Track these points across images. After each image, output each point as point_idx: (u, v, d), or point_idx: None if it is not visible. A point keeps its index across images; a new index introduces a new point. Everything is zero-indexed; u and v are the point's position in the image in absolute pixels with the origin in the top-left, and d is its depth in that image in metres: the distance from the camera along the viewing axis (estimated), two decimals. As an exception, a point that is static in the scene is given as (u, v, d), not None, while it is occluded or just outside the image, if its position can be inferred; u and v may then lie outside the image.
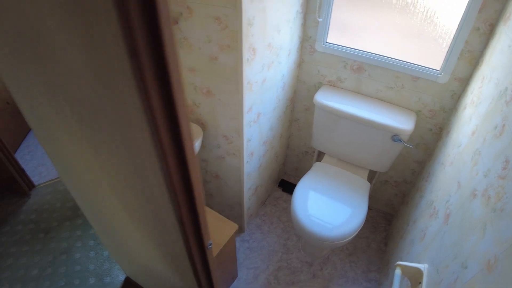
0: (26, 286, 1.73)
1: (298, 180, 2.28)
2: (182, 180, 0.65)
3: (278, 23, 1.40)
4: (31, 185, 2.26)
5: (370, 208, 2.14)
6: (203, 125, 1.62)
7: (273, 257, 1.86)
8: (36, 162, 2.49)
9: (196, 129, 1.53)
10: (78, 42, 0.50)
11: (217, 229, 1.43)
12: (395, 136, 1.56)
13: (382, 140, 1.61)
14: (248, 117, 1.45)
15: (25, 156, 2.53)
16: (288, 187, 2.27)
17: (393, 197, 2.02)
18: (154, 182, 0.66)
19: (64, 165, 1.05)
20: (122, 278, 1.76)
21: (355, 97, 1.71)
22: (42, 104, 0.77)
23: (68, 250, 1.89)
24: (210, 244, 0.86)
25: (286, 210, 2.12)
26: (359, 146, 1.73)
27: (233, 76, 1.31)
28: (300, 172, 2.30)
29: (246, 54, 1.24)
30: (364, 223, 2.02)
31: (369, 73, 1.64)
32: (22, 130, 2.70)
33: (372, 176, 1.95)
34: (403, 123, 1.55)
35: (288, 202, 2.17)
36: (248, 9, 1.15)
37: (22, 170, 2.19)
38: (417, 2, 1.39)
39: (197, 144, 1.46)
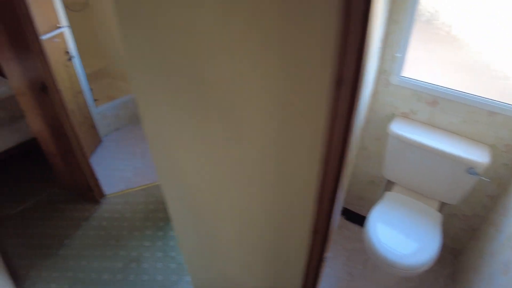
0: (99, 289, 1.86)
1: (361, 210, 2.33)
2: (332, 192, 0.76)
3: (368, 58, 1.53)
4: (102, 194, 2.45)
5: (435, 243, 2.14)
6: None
7: (339, 283, 1.89)
8: (104, 173, 2.71)
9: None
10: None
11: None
12: (471, 169, 1.61)
13: (456, 172, 1.66)
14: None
15: (96, 167, 2.74)
16: (351, 216, 2.32)
17: (461, 232, 2.02)
18: (299, 191, 0.77)
19: (175, 173, 1.17)
20: (191, 290, 1.85)
21: (428, 129, 1.79)
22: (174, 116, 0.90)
23: (137, 259, 2.02)
24: (326, 257, 0.95)
25: (350, 239, 2.16)
26: (431, 177, 1.78)
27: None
28: (364, 202, 2.34)
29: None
30: (430, 258, 2.02)
31: (443, 107, 1.73)
32: (95, 141, 2.95)
33: (441, 208, 1.97)
34: (479, 156, 1.60)
35: (352, 231, 2.21)
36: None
37: (96, 180, 2.38)
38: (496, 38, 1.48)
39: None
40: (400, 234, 1.67)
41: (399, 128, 1.80)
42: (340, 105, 0.60)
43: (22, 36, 1.83)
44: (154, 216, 2.31)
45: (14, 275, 1.95)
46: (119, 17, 0.79)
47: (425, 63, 1.76)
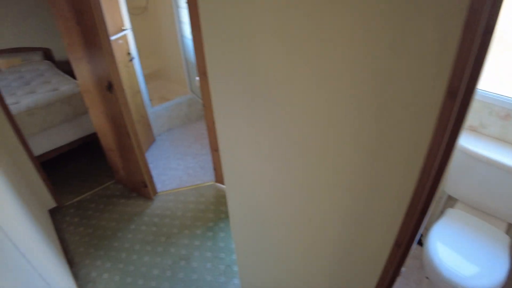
0: (148, 283, 1.94)
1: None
2: (425, 206, 0.73)
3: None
4: (155, 191, 2.54)
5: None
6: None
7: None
8: (158, 171, 2.82)
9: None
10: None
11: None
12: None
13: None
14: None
15: (149, 165, 2.86)
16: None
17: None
18: (389, 202, 0.74)
19: (241, 177, 1.20)
20: (238, 293, 1.86)
21: (499, 144, 1.68)
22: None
23: (187, 258, 2.06)
24: (403, 271, 0.91)
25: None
26: (499, 196, 1.66)
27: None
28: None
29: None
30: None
31: (520, 122, 1.61)
32: (149, 140, 3.10)
33: (508, 230, 1.83)
34: None
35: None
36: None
37: (151, 177, 2.48)
38: None
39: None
40: (463, 255, 1.57)
41: (466, 141, 1.70)
42: (450, 118, 0.58)
43: (95, 38, 1.96)
44: (204, 216, 2.36)
45: (70, 261, 2.08)
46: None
47: (504, 73, 1.66)
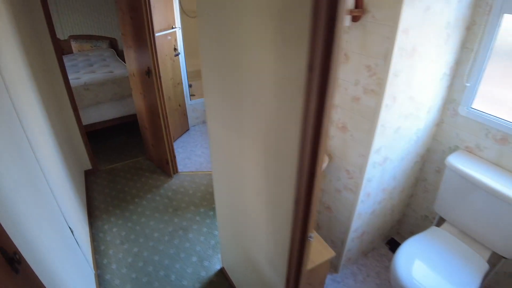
0: (147, 242, 2.30)
1: (408, 242, 2.28)
2: (309, 166, 0.94)
3: (423, 80, 1.61)
4: (175, 171, 2.94)
5: (488, 302, 1.97)
6: (330, 156, 1.90)
7: (361, 307, 1.92)
8: (184, 155, 3.25)
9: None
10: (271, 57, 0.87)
11: (316, 250, 1.64)
12: (533, 220, 1.51)
13: (516, 220, 1.57)
14: (374, 157, 1.66)
15: (179, 149, 3.32)
16: (397, 247, 2.28)
17: (521, 298, 1.83)
18: (287, 164, 0.97)
19: (219, 157, 1.49)
20: (218, 267, 2.13)
21: (493, 169, 1.72)
22: (224, 106, 1.20)
23: (186, 229, 2.39)
24: (311, 237, 1.11)
25: (387, 269, 2.15)
26: (486, 221, 1.70)
27: (370, 117, 1.57)
28: (413, 236, 2.30)
29: (386, 100, 1.50)
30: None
31: (515, 148, 1.65)
32: (183, 128, 3.55)
33: (495, 261, 1.83)
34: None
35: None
36: (397, 63, 1.41)
37: (174, 157, 2.88)
38: None
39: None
40: (430, 273, 1.63)
41: (459, 161, 1.77)
42: (312, 86, 0.81)
43: (142, 31, 2.41)
44: (211, 198, 2.68)
45: (91, 213, 2.54)
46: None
47: (504, 97, 1.71)
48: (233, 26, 1.05)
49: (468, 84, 1.76)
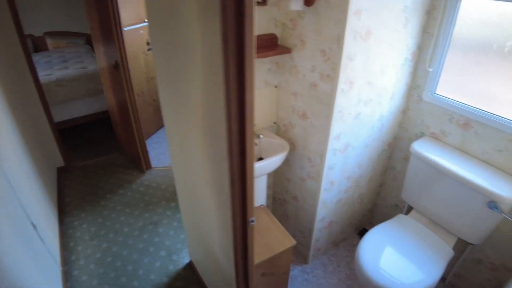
0: (117, 237, 2.28)
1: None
2: (239, 145, 0.91)
3: (383, 65, 1.59)
4: (149, 166, 2.91)
5: (457, 289, 1.96)
6: (293, 145, 1.88)
7: (329, 297, 1.90)
8: (160, 150, 3.22)
9: (283, 144, 1.80)
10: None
11: (276, 239, 1.62)
12: (492, 203, 1.49)
13: (477, 205, 1.55)
14: (334, 144, 1.64)
15: (154, 144, 3.29)
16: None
17: (486, 283, 1.82)
18: (221, 145, 0.95)
19: (174, 151, 1.46)
20: (186, 260, 2.10)
21: (457, 154, 1.70)
22: (171, 100, 1.18)
23: (156, 223, 2.37)
24: (253, 221, 1.08)
25: (358, 258, 2.13)
26: (451, 207, 1.68)
27: (327, 103, 1.55)
28: (384, 225, 2.28)
29: (341, 85, 1.47)
30: (445, 303, 1.87)
31: (476, 131, 1.63)
32: (158, 123, 3.51)
33: (462, 248, 1.82)
34: (504, 189, 1.47)
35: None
36: (350, 46, 1.39)
37: (147, 153, 2.85)
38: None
39: (279, 157, 1.72)
40: (395, 260, 1.61)
41: (423, 148, 1.75)
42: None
43: (109, 24, 2.37)
44: (182, 193, 2.65)
45: (61, 210, 2.50)
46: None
47: (467, 82, 1.69)
48: (170, 11, 1.03)
49: (430, 70, 1.75)
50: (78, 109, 3.23)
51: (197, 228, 1.66)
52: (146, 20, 3.04)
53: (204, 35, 0.87)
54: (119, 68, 2.47)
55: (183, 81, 1.11)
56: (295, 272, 2.04)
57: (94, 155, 3.17)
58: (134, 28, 2.86)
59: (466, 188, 1.57)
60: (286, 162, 1.99)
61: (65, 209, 2.51)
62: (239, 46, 0.77)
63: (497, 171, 1.60)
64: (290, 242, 1.62)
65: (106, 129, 3.59)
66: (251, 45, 0.77)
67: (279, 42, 1.71)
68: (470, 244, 1.74)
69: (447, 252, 1.67)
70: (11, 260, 1.36)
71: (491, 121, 1.57)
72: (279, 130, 1.98)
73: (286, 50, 1.66)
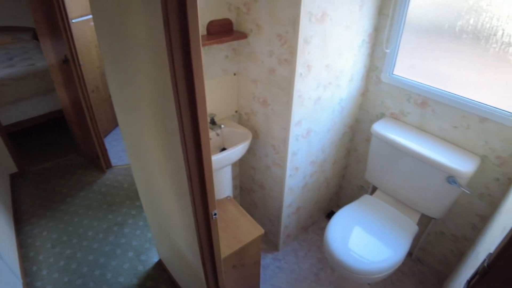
0: (81, 242, 2.17)
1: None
2: (193, 135, 0.87)
3: (340, 47, 1.58)
4: (109, 165, 2.79)
5: (421, 262, 2.04)
6: (256, 133, 1.85)
7: (301, 283, 1.92)
8: (120, 148, 3.07)
9: (245, 133, 1.77)
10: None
11: (244, 229, 1.60)
12: (451, 178, 1.54)
13: (437, 180, 1.60)
14: (296, 130, 1.63)
15: (113, 142, 3.14)
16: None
17: (449, 254, 1.90)
18: (174, 135, 0.90)
19: (130, 148, 1.39)
20: (155, 259, 2.04)
21: (416, 133, 1.75)
22: (122, 93, 1.11)
23: (121, 224, 2.28)
24: (215, 214, 1.05)
25: (328, 241, 2.16)
26: (413, 185, 1.73)
27: (286, 88, 1.52)
28: (352, 207, 2.33)
29: (300, 69, 1.45)
30: (412, 278, 1.94)
31: (433, 109, 1.68)
32: (115, 120, 3.36)
33: (426, 223, 1.89)
34: (461, 164, 1.53)
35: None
36: (306, 29, 1.37)
37: (106, 151, 2.72)
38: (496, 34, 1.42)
39: (242, 147, 1.68)
40: (362, 239, 1.64)
41: (383, 128, 1.78)
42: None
43: (55, 16, 2.21)
44: (147, 190, 2.56)
45: (18, 219, 2.35)
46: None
47: (422, 62, 1.72)
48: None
49: (387, 51, 1.77)
50: (29, 109, 3.02)
51: (162, 226, 1.61)
52: (96, 11, 2.88)
53: (148, 22, 0.82)
54: (69, 63, 2.33)
55: (133, 72, 1.04)
56: (267, 260, 2.04)
57: (50, 158, 2.98)
58: (84, 20, 2.70)
59: (426, 165, 1.61)
60: (251, 150, 1.97)
61: (21, 217, 2.35)
62: (182, 31, 0.72)
63: (454, 147, 1.65)
64: (258, 231, 1.60)
65: (61, 130, 3.38)
66: (196, 26, 0.72)
67: (235, 28, 1.67)
68: (433, 218, 1.81)
69: (412, 228, 1.72)
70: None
71: (446, 99, 1.61)
72: (241, 118, 1.94)
73: (242, 35, 1.61)
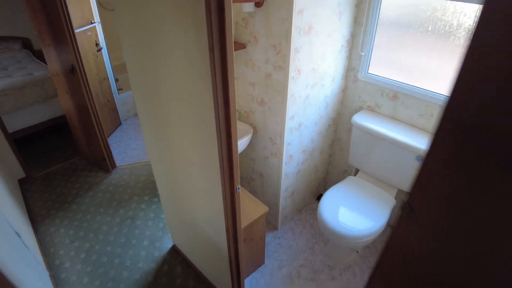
0: (97, 236, 2.41)
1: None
2: (226, 127, 1.18)
3: (323, 53, 1.92)
4: (114, 165, 3.03)
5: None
6: (255, 129, 2.17)
7: (299, 255, 2.26)
8: (120, 149, 3.31)
9: (246, 128, 2.09)
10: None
11: (250, 208, 1.91)
12: (419, 157, 1.93)
13: (409, 160, 1.98)
14: (290, 123, 1.96)
15: (113, 144, 3.38)
16: (324, 200, 2.67)
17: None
18: (209, 128, 1.20)
19: (151, 141, 1.67)
20: (169, 245, 2.33)
21: (389, 122, 2.12)
22: (149, 93, 1.39)
23: (133, 217, 2.54)
24: (239, 188, 1.36)
25: (319, 220, 2.52)
26: (389, 165, 2.10)
27: (281, 89, 1.85)
28: (338, 189, 2.70)
29: (292, 73, 1.78)
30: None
31: (403, 101, 2.05)
32: (114, 123, 3.59)
33: (403, 196, 2.27)
34: (426, 145, 1.91)
35: (322, 213, 2.57)
36: (296, 40, 1.70)
37: (111, 153, 2.97)
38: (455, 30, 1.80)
39: (246, 140, 2.00)
40: (349, 212, 2.01)
41: (361, 119, 2.15)
42: (214, 61, 1.05)
43: (60, 28, 2.43)
44: (153, 186, 2.83)
45: (33, 220, 2.56)
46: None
47: (393, 60, 2.09)
48: (148, 16, 1.24)
49: (362, 53, 2.12)
50: (30, 117, 3.19)
51: (180, 211, 1.90)
52: (92, 22, 3.10)
53: (188, 40, 1.11)
54: (76, 72, 2.56)
55: (163, 77, 1.32)
56: (269, 238, 2.37)
57: (54, 163, 3.19)
58: (83, 30, 2.92)
59: (399, 148, 1.98)
60: (250, 145, 2.28)
61: (35, 219, 2.57)
62: (222, 54, 1.03)
63: (421, 131, 2.03)
64: (263, 209, 1.92)
65: (62, 135, 3.59)
66: (231, 51, 1.03)
67: (234, 39, 1.98)
68: (408, 192, 2.20)
69: (391, 202, 2.09)
70: (12, 266, 1.48)
71: (413, 92, 1.98)
72: (241, 116, 2.26)
73: (242, 46, 1.92)
